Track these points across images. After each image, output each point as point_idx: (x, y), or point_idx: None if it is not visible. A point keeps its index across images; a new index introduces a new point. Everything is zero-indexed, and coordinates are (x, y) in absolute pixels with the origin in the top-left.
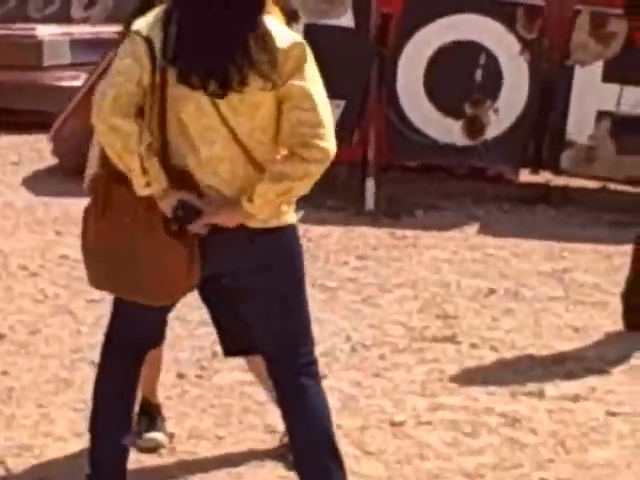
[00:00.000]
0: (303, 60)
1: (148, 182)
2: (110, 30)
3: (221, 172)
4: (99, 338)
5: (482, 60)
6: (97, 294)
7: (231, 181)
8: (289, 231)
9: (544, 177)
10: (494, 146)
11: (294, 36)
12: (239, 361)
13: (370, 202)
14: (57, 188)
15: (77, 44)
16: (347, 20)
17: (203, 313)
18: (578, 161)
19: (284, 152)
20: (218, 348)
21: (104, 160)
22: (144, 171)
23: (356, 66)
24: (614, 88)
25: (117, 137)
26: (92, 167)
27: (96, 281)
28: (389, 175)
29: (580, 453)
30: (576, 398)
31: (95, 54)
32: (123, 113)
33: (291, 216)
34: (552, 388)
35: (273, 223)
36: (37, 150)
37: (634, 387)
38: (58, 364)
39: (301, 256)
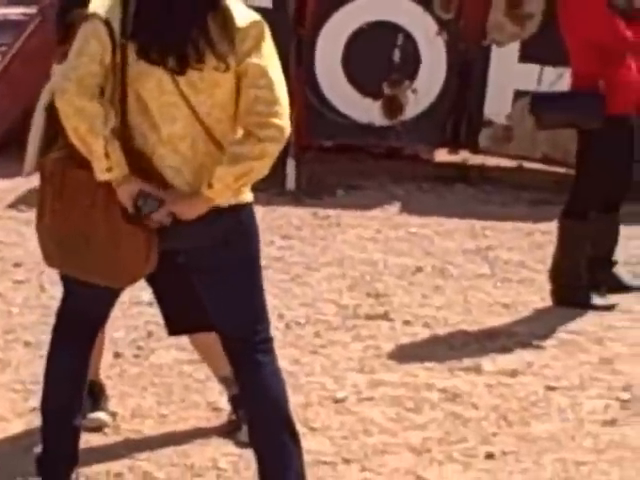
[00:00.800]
0: (261, 39)
1: (109, 167)
2: (16, 12)
3: (182, 150)
4: (30, 318)
5: (400, 41)
6: (22, 275)
7: (192, 159)
8: (246, 210)
9: (461, 156)
10: (412, 126)
11: (253, 15)
12: (175, 340)
13: (291, 182)
14: None
15: None
16: (265, 0)
17: (135, 293)
18: (496, 140)
19: (241, 132)
20: (153, 327)
21: (62, 142)
22: (106, 155)
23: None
24: (531, 68)
25: (82, 119)
26: (33, 148)
27: (51, 260)
28: (308, 155)
29: (523, 427)
30: (514, 373)
31: (2, 35)
32: (89, 95)
33: (248, 195)
34: (489, 363)
35: (230, 202)
36: None
37: (568, 362)
38: None
39: (257, 235)
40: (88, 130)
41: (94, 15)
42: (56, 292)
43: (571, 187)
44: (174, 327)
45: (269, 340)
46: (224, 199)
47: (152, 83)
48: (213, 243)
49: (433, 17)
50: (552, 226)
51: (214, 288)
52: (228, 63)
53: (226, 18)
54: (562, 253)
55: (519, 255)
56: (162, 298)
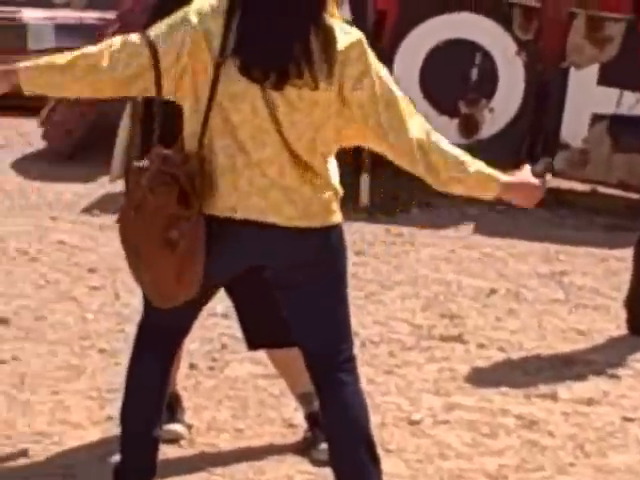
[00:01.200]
0: (365, 59)
1: None
2: (93, 16)
3: (270, 173)
4: (105, 325)
5: (478, 59)
6: (97, 281)
7: (279, 181)
8: (337, 230)
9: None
10: (488, 145)
11: (352, 35)
12: (250, 353)
13: (365, 198)
14: (48, 173)
15: (61, 29)
16: (344, 12)
17: (210, 305)
18: (572, 163)
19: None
20: (227, 340)
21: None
22: None
23: None
24: (610, 91)
25: None
26: (119, 154)
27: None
28: (382, 171)
29: (600, 457)
30: (590, 402)
31: (79, 39)
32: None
33: (338, 216)
34: (565, 391)
35: (320, 223)
36: (22, 134)
37: None
38: (68, 351)
39: (346, 254)
40: None
41: (192, 24)
42: (131, 299)
43: None
44: (254, 342)
45: (352, 359)
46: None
47: (246, 106)
48: (302, 262)
49: (512, 37)
50: (627, 252)
51: (300, 305)
52: (328, 82)
53: (328, 38)
54: (638, 281)
55: (593, 281)
56: (243, 312)
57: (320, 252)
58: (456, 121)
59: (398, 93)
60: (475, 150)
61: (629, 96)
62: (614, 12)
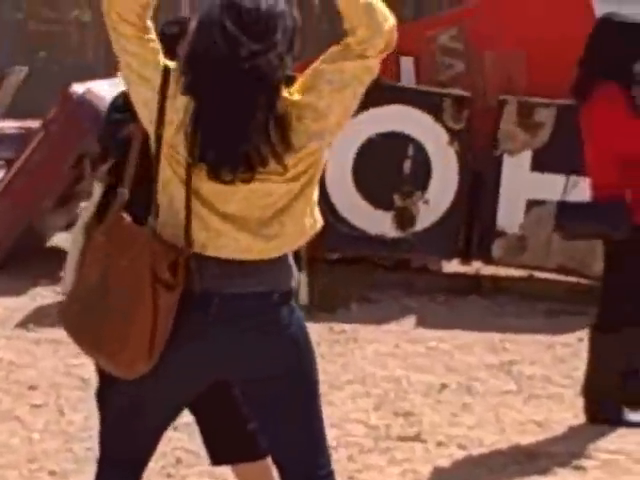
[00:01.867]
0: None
1: None
2: (12, 125)
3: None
4: (52, 445)
5: (411, 151)
6: (39, 398)
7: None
8: (306, 335)
9: (472, 267)
10: (425, 237)
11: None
12: (208, 467)
13: (304, 296)
14: None
15: None
16: None
17: None
18: (509, 250)
19: None
20: (181, 454)
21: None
22: None
23: None
24: (544, 177)
25: None
26: (72, 266)
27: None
28: (319, 268)
29: None
30: None
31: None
32: None
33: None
34: None
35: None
36: None
37: None
38: (16, 475)
39: (316, 362)
40: None
41: None
42: (75, 416)
43: (600, 299)
44: (218, 456)
45: (332, 474)
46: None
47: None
48: (272, 374)
49: (444, 127)
50: (572, 338)
51: (274, 420)
52: (286, 166)
53: (284, 121)
54: (594, 368)
55: (543, 369)
56: (205, 423)
57: (291, 363)
58: (391, 214)
59: None
60: (412, 243)
61: (563, 181)
62: (544, 97)
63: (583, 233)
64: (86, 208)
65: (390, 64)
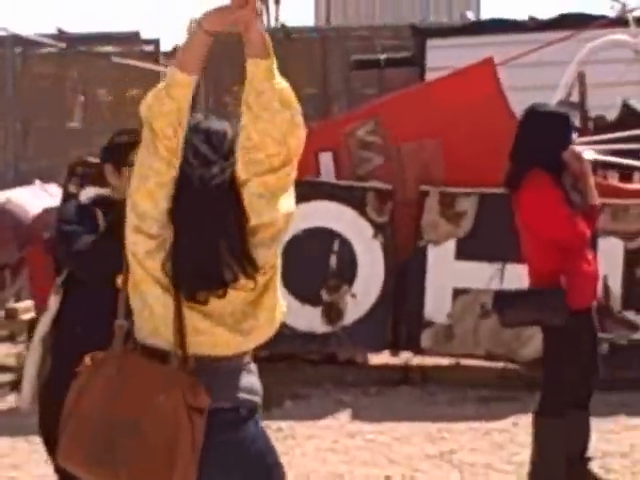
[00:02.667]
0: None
1: None
2: None
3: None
4: None
5: (336, 246)
6: None
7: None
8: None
9: (400, 358)
10: (353, 331)
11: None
12: None
13: None
14: None
15: None
16: None
17: None
18: (438, 340)
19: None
20: None
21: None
22: None
23: None
24: (469, 265)
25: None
26: (30, 380)
27: (70, 457)
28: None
29: None
30: None
31: None
32: None
33: None
34: None
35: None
36: None
37: None
38: None
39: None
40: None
41: None
42: None
43: (542, 385)
44: None
45: None
46: None
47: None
48: None
49: (368, 221)
50: (507, 423)
51: None
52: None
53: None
54: (539, 453)
55: (483, 457)
56: None
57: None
58: (319, 309)
59: None
60: (341, 337)
61: (487, 268)
62: (462, 185)
63: (522, 320)
64: (43, 321)
65: (310, 160)
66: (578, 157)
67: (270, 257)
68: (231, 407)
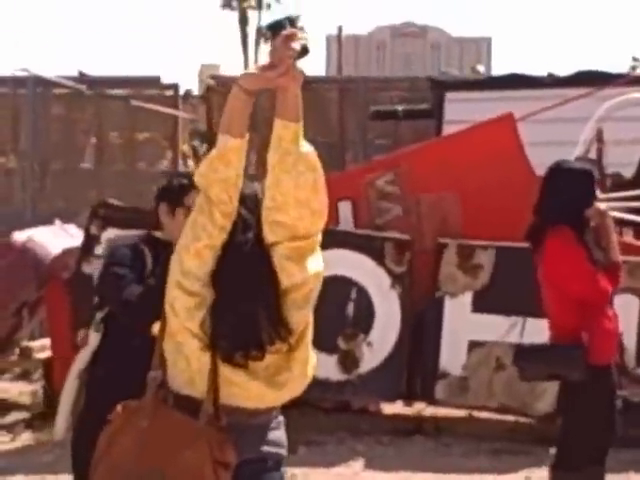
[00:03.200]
0: None
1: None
2: None
3: None
4: None
5: (353, 294)
6: None
7: None
8: None
9: (414, 407)
10: (369, 379)
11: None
12: None
13: None
14: None
15: None
16: None
17: None
18: (452, 391)
19: None
20: None
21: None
22: None
23: None
24: (485, 318)
25: None
26: (64, 413)
27: None
28: None
29: None
30: None
31: None
32: None
33: None
34: None
35: None
36: None
37: None
38: None
39: None
40: None
41: None
42: None
43: (559, 438)
44: None
45: None
46: None
47: None
48: None
49: (386, 270)
50: (519, 477)
51: None
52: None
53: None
54: None
55: None
56: None
57: None
58: (335, 357)
59: None
60: (356, 385)
61: (503, 321)
62: (478, 238)
63: (541, 374)
64: (81, 356)
65: (329, 208)
66: (602, 214)
67: (302, 317)
68: (258, 458)
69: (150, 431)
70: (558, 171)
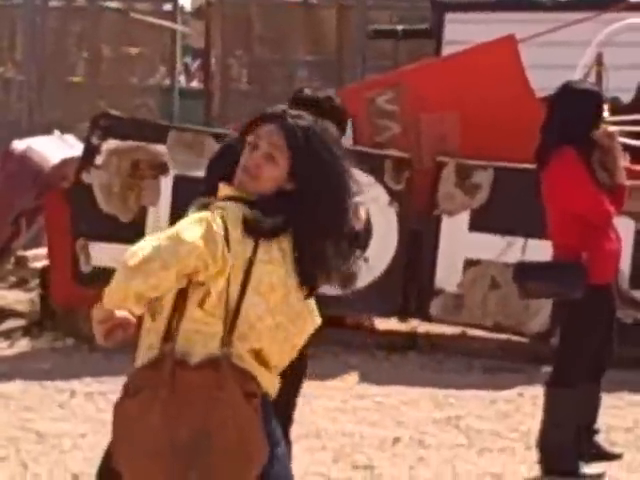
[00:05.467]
0: None
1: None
2: None
3: None
4: None
5: None
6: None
7: None
8: None
9: (409, 324)
10: (364, 295)
11: None
12: None
13: None
14: None
15: None
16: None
17: None
18: (447, 309)
19: None
20: None
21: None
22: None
23: None
24: (482, 236)
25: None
26: None
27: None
28: None
29: None
30: None
31: None
32: None
33: None
34: None
35: None
36: None
37: None
38: None
39: None
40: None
41: None
42: (39, 469)
43: (556, 356)
44: None
45: None
46: None
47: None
48: None
49: (384, 188)
50: (512, 394)
51: None
52: None
53: None
54: (550, 422)
55: (489, 424)
56: None
57: None
58: None
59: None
60: (352, 301)
61: (500, 241)
62: (477, 157)
63: (541, 293)
64: None
65: None
66: (610, 136)
67: None
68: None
69: (174, 399)
70: (566, 91)
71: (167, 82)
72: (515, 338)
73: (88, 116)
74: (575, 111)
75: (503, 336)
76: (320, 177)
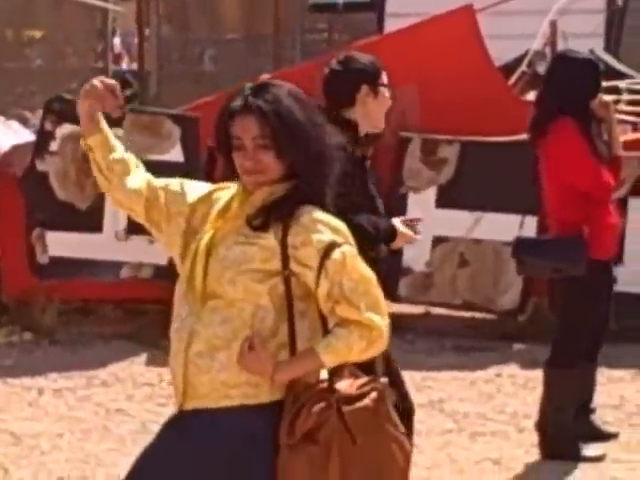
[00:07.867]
0: None
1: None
2: None
3: None
4: None
5: None
6: None
7: None
8: None
9: None
10: None
11: None
12: None
13: None
14: None
15: None
16: (176, 154)
17: None
18: (415, 288)
19: None
20: None
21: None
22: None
23: None
24: (449, 213)
25: None
26: None
27: None
28: None
29: None
30: None
31: None
32: None
33: None
34: None
35: None
36: None
37: None
38: None
39: None
40: None
41: None
42: (21, 474)
43: (555, 335)
44: None
45: None
46: None
47: None
48: None
49: None
50: (490, 374)
51: None
52: None
53: None
54: (550, 404)
55: (474, 407)
56: None
57: None
58: None
59: None
60: None
61: (468, 217)
62: (437, 131)
63: (540, 268)
64: None
65: None
66: (606, 106)
67: None
68: None
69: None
70: (562, 61)
71: (100, 64)
72: (481, 315)
73: (20, 100)
74: (574, 81)
75: (470, 314)
76: (302, 135)
